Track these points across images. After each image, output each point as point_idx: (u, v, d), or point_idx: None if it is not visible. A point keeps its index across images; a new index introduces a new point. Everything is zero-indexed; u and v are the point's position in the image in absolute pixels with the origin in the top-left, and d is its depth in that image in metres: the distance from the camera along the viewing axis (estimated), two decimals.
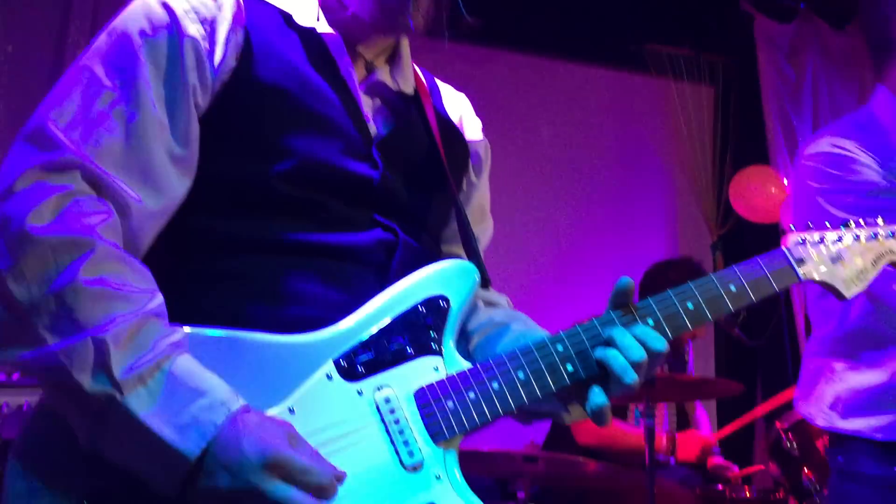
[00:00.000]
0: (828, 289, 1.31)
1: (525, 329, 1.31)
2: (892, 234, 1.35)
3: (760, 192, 4.03)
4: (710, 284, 1.21)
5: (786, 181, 4.14)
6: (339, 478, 1.05)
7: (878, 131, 1.86)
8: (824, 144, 1.86)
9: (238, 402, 1.03)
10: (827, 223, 1.37)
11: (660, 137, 4.95)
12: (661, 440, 3.18)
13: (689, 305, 1.19)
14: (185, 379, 1.03)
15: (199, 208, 1.18)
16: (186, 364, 1.04)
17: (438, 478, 1.13)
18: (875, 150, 1.83)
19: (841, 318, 1.84)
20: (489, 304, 1.43)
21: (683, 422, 3.46)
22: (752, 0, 4.85)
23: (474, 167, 1.47)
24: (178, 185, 1.16)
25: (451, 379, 1.16)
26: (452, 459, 1.15)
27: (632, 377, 1.12)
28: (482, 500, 1.19)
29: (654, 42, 4.82)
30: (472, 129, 1.49)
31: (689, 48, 4.91)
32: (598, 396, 1.15)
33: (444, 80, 1.52)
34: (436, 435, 1.14)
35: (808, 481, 2.68)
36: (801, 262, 1.27)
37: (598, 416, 1.16)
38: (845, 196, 1.78)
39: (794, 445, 2.72)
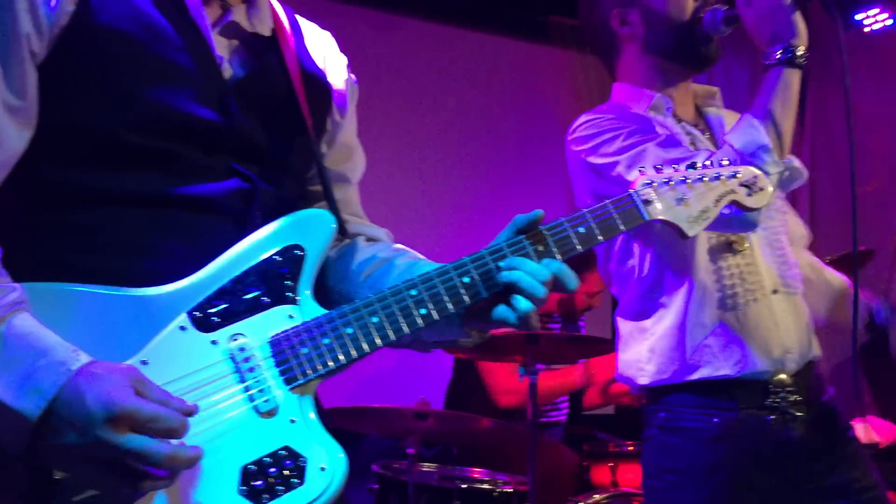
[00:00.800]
0: (672, 228, 1.38)
1: (409, 262, 1.34)
2: (735, 174, 1.42)
3: None
4: (559, 228, 1.28)
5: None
6: (190, 412, 1.07)
7: (627, 114, 1.96)
8: (578, 121, 1.95)
9: (79, 359, 1.03)
10: (674, 166, 1.41)
11: (564, 108, 5.04)
12: (576, 372, 3.28)
13: (540, 248, 1.26)
14: (23, 339, 1.02)
15: (48, 159, 1.17)
16: (24, 324, 1.04)
17: (293, 422, 1.17)
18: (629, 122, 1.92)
19: (637, 277, 1.94)
20: (371, 239, 1.46)
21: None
22: None
23: (338, 107, 1.47)
24: (15, 137, 1.14)
25: (306, 325, 1.20)
26: (308, 404, 1.19)
27: (540, 291, 1.20)
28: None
29: (558, 14, 4.90)
30: (336, 67, 1.48)
31: None
32: (500, 310, 1.22)
33: (347, 44, 1.52)
34: (290, 380, 1.18)
35: None
36: (647, 202, 1.34)
37: (524, 321, 1.22)
38: (612, 143, 1.86)
39: None
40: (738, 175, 1.42)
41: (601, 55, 2.14)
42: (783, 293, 1.95)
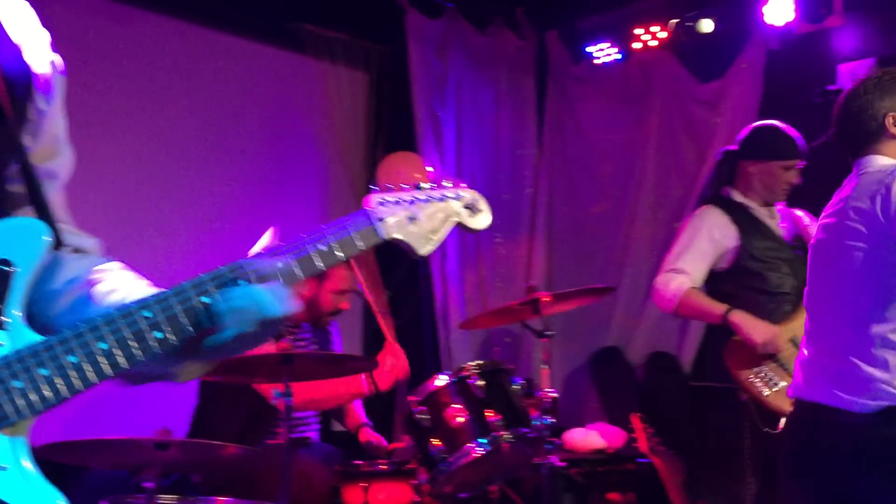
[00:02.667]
0: (405, 247, 1.40)
1: (120, 286, 1.20)
2: (458, 196, 1.47)
3: (406, 177, 4.18)
4: (301, 247, 1.24)
5: (430, 168, 4.34)
6: None
7: None
8: None
9: None
10: (402, 185, 1.46)
11: (314, 118, 4.95)
12: (360, 379, 3.17)
13: (279, 265, 1.21)
14: None
15: None
16: None
17: (3, 469, 0.99)
18: None
19: None
20: (78, 250, 1.28)
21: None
22: None
23: (42, 93, 1.28)
24: None
25: (18, 354, 1.02)
26: (21, 447, 1.01)
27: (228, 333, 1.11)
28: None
29: (311, 23, 4.81)
30: (36, 45, 1.30)
31: (346, 33, 4.97)
32: (209, 342, 1.13)
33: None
34: (0, 420, 0.98)
35: (435, 451, 2.82)
36: (382, 221, 1.34)
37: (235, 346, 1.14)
38: None
39: (426, 417, 2.86)
40: (461, 197, 1.47)
41: (852, 135, 2.37)
42: None
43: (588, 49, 5.30)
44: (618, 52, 5.18)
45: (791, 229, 3.40)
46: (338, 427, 3.81)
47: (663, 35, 4.94)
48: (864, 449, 2.15)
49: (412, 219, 1.38)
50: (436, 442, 2.84)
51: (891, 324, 2.13)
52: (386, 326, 3.30)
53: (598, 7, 5.25)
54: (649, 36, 4.98)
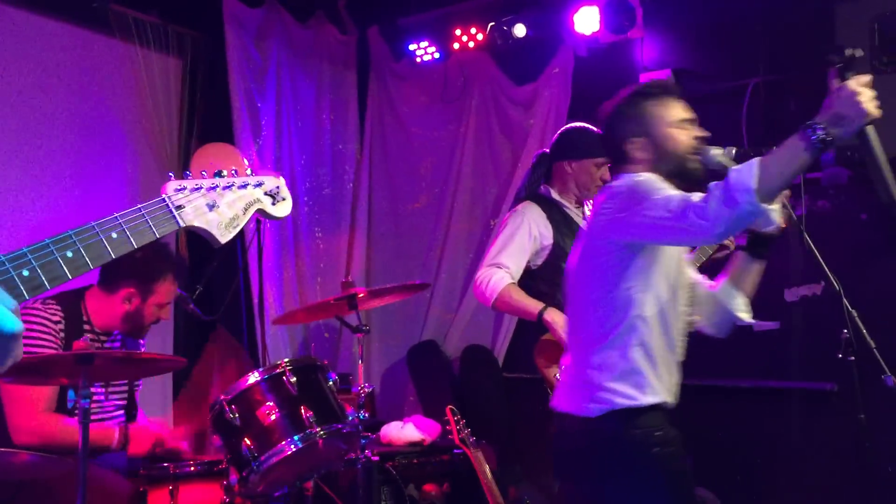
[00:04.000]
0: (205, 235, 1.40)
1: None
2: (259, 183, 1.48)
3: (221, 167, 4.06)
4: (90, 232, 1.20)
5: (246, 161, 4.23)
6: None
7: None
8: None
9: None
10: (203, 172, 1.44)
11: (125, 105, 4.70)
12: (113, 434, 3.01)
13: (69, 254, 1.16)
14: None
15: None
16: None
17: None
18: None
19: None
20: None
21: (132, 408, 3.33)
22: None
23: None
24: None
25: None
26: None
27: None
28: None
29: (119, 3, 4.55)
30: None
31: (157, 16, 4.75)
32: None
33: None
34: None
35: (247, 450, 2.76)
36: (180, 208, 1.33)
37: None
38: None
39: (237, 416, 2.79)
40: (262, 185, 1.46)
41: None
42: None
43: (409, 47, 5.35)
44: (437, 52, 5.26)
45: None
46: None
47: (480, 37, 5.07)
48: (598, 452, 2.25)
49: (212, 206, 1.37)
50: (247, 441, 2.78)
51: (607, 329, 2.24)
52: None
53: (419, 6, 5.31)
54: (467, 37, 5.09)
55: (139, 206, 1.28)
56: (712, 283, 2.52)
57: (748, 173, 1.96)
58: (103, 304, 3.11)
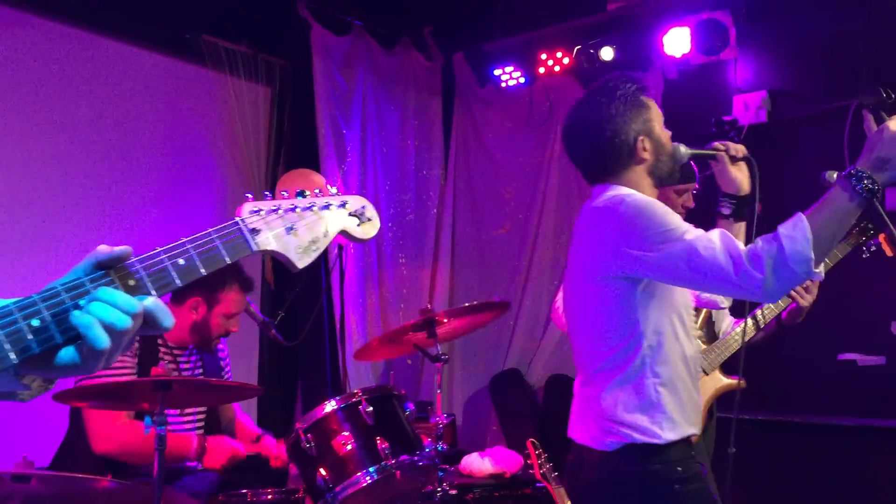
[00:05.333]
0: (282, 259, 1.31)
1: None
2: (344, 203, 1.39)
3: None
4: (157, 259, 1.15)
5: (333, 188, 4.25)
6: None
7: None
8: None
9: None
10: (284, 192, 1.37)
11: (214, 132, 4.81)
12: (192, 442, 3.02)
13: (130, 282, 1.11)
14: None
15: None
16: None
17: None
18: None
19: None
20: None
21: (214, 428, 3.34)
22: (310, 8, 4.94)
23: None
24: None
25: None
26: None
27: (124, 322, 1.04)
28: None
29: (211, 34, 4.67)
30: None
31: (248, 46, 4.85)
32: (67, 353, 1.03)
33: None
34: None
35: (322, 481, 2.72)
36: (255, 232, 1.25)
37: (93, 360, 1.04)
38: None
39: (312, 445, 2.75)
40: (347, 205, 1.38)
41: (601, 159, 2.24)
42: None
43: (494, 72, 5.31)
44: (522, 77, 5.20)
45: None
46: None
47: (566, 61, 4.99)
48: (616, 488, 2.10)
49: (290, 229, 1.29)
50: (323, 471, 2.73)
51: (619, 362, 2.08)
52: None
53: (503, 31, 5.27)
54: (553, 61, 5.02)
55: (210, 230, 1.21)
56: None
57: (804, 242, 1.83)
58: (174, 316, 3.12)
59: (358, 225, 1.39)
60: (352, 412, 2.80)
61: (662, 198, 3.35)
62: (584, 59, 4.90)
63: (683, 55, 4.53)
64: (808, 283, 3.16)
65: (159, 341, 3.15)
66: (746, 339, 3.21)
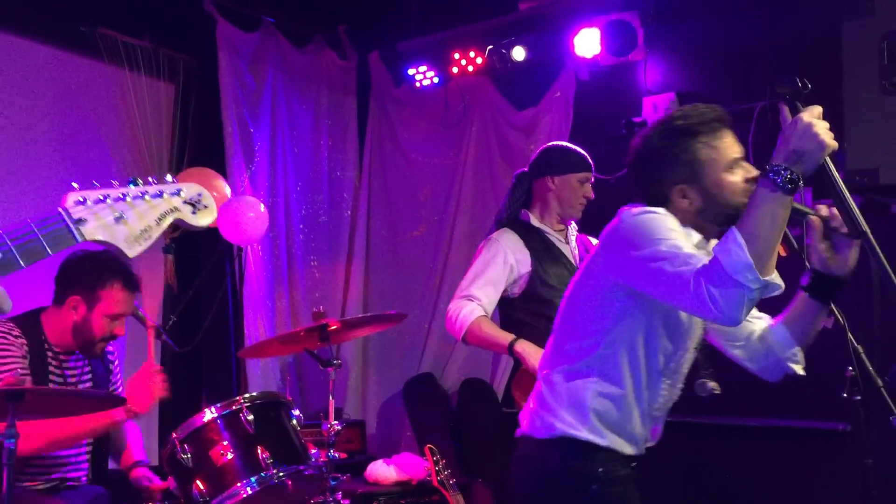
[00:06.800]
0: (111, 248, 1.30)
1: None
2: (178, 191, 1.37)
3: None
4: None
5: (228, 189, 4.12)
6: None
7: None
8: None
9: None
10: (114, 181, 1.36)
11: (113, 129, 4.61)
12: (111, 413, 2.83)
13: None
14: None
15: None
16: None
17: None
18: None
19: None
20: None
21: (104, 444, 3.18)
22: (216, 3, 4.79)
23: None
24: None
25: None
26: None
27: None
28: None
29: (109, 28, 4.48)
30: None
31: (149, 41, 4.67)
32: None
33: None
34: None
35: (198, 494, 2.59)
36: (81, 221, 1.24)
37: None
38: None
39: (189, 456, 2.62)
40: (181, 192, 1.37)
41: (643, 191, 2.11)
42: None
43: (409, 72, 5.22)
44: (436, 76, 5.13)
45: (583, 254, 3.39)
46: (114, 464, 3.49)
47: (479, 61, 4.93)
48: (537, 482, 2.07)
49: (119, 218, 1.28)
50: (200, 483, 2.60)
51: (578, 363, 2.05)
52: (151, 342, 2.99)
53: (418, 30, 5.19)
54: (466, 61, 4.95)
55: (30, 221, 1.20)
56: (772, 320, 2.24)
57: (737, 249, 1.77)
58: (56, 319, 2.98)
59: (193, 213, 1.38)
60: (232, 420, 2.68)
61: (564, 186, 3.31)
62: (497, 59, 4.85)
63: (594, 56, 4.51)
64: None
65: (45, 346, 2.98)
66: None
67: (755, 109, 4.10)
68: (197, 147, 4.84)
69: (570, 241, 3.40)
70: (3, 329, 2.90)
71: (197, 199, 1.39)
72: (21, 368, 2.83)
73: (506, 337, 3.07)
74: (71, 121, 4.43)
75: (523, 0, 4.72)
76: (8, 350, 2.84)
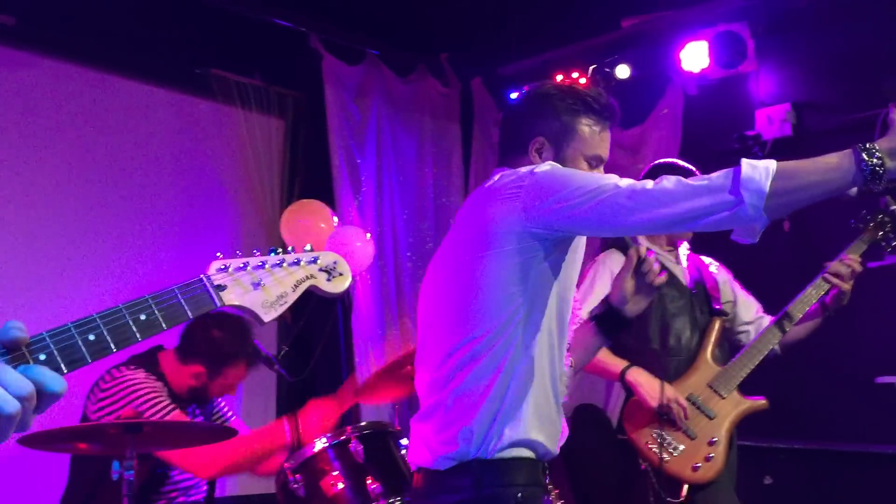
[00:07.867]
0: (247, 313, 1.34)
1: None
2: (315, 259, 1.42)
3: (309, 225, 4.03)
4: (117, 314, 1.17)
5: (335, 219, 4.19)
6: None
7: None
8: None
9: None
10: (255, 251, 1.40)
11: (227, 166, 4.79)
12: (283, 430, 2.96)
13: (91, 337, 1.13)
14: None
15: None
16: None
17: None
18: None
19: None
20: None
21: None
22: (322, 39, 4.91)
23: None
24: None
25: None
26: None
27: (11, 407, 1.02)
28: None
29: (221, 69, 4.66)
30: None
31: (259, 79, 4.83)
32: None
33: None
34: None
35: None
36: (221, 287, 1.29)
37: None
38: None
39: (301, 485, 2.65)
40: (318, 261, 1.43)
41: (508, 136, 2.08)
42: None
43: (511, 96, 5.20)
44: None
45: (695, 276, 3.27)
46: (232, 491, 3.58)
47: (583, 81, 4.86)
48: None
49: (258, 284, 1.33)
50: None
51: (476, 350, 1.82)
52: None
53: (518, 54, 5.18)
54: (569, 82, 4.89)
55: (174, 287, 1.26)
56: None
57: (763, 171, 1.63)
58: (176, 371, 3.06)
59: (328, 279, 1.42)
60: (341, 450, 2.69)
61: None
62: (600, 79, 4.77)
63: (702, 70, 4.38)
64: (850, 266, 2.98)
65: (168, 387, 3.07)
66: (776, 341, 3.03)
67: (878, 118, 3.87)
68: (306, 179, 4.96)
69: (681, 262, 3.28)
70: (141, 375, 2.96)
71: (332, 267, 1.43)
72: (171, 407, 2.91)
73: (617, 364, 2.97)
74: (190, 161, 4.62)
75: (625, 17, 4.64)
76: (159, 393, 2.93)
